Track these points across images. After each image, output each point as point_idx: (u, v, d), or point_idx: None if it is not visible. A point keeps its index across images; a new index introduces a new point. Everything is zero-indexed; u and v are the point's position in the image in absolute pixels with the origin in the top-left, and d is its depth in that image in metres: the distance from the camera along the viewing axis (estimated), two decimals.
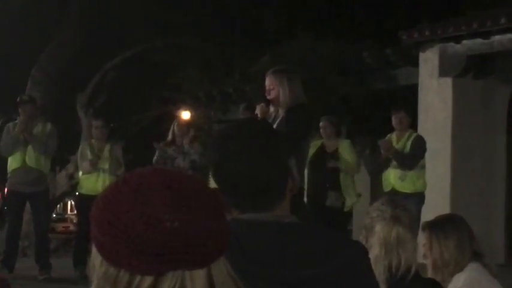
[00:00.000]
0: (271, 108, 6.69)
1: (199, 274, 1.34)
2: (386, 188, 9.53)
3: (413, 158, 9.42)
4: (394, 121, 9.60)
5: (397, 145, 9.52)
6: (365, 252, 2.05)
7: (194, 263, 1.34)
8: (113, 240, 1.33)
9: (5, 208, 11.64)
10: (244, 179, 1.99)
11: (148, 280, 1.32)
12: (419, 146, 9.52)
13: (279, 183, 2.04)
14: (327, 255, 1.92)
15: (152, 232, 1.31)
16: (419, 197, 9.37)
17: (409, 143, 9.50)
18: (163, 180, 1.38)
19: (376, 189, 14.38)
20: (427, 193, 9.70)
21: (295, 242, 1.92)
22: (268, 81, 6.69)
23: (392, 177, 9.46)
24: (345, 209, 9.87)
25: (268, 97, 6.64)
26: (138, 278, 1.33)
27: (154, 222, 1.32)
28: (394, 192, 9.27)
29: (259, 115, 6.57)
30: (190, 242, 1.33)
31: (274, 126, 6.49)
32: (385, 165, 9.53)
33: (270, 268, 1.81)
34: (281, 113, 6.62)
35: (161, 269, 1.32)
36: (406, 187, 9.38)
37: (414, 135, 9.69)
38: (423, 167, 9.57)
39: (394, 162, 9.45)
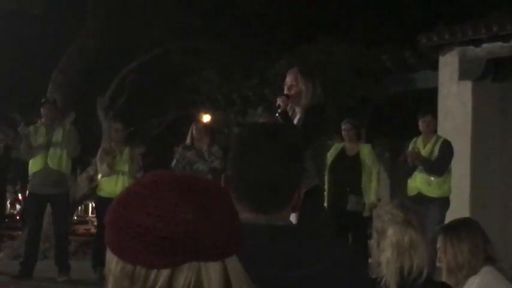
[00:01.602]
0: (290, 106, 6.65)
1: (215, 268, 1.36)
2: (412, 192, 9.48)
3: (442, 164, 9.35)
4: (422, 125, 9.54)
5: (424, 149, 9.46)
6: (355, 253, 2.05)
7: (209, 254, 1.36)
8: (127, 237, 1.36)
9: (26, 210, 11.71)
10: (255, 183, 2.01)
11: (164, 273, 1.34)
12: (448, 151, 9.44)
13: (286, 190, 2.05)
14: (317, 257, 1.94)
15: (166, 224, 1.34)
16: (444, 202, 9.30)
17: (436, 148, 9.43)
18: (175, 179, 1.41)
19: (395, 192, 14.37)
20: None
21: (286, 245, 1.94)
22: (291, 78, 6.66)
23: (418, 181, 9.40)
24: (364, 214, 9.86)
25: (287, 93, 6.59)
26: (154, 272, 1.35)
27: (167, 214, 1.35)
28: (420, 196, 9.23)
29: (282, 106, 6.50)
30: (204, 233, 1.35)
31: None
32: (412, 170, 9.49)
33: (260, 270, 1.83)
34: (297, 112, 6.61)
35: (176, 261, 1.34)
36: (432, 191, 9.32)
37: (442, 139, 9.58)
38: (449, 171, 9.49)
39: (420, 167, 9.40)
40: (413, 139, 9.71)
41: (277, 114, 6.53)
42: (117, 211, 1.39)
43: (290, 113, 6.59)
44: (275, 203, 2.03)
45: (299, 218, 6.20)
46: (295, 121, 6.54)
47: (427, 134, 9.56)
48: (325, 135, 6.91)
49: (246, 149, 2.06)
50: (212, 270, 1.36)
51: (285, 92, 6.63)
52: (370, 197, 9.83)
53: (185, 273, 1.34)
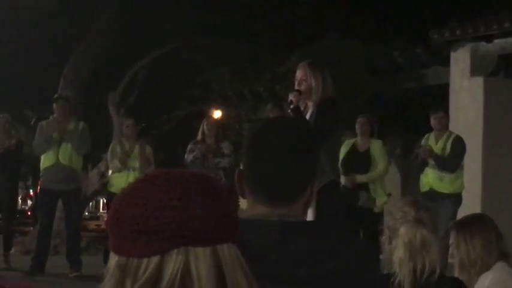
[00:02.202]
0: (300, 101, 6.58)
1: (204, 254, 1.39)
2: (424, 188, 9.45)
3: (454, 161, 9.31)
4: (433, 121, 9.50)
5: (437, 146, 9.44)
6: (367, 249, 2.04)
7: (196, 240, 1.39)
8: (120, 231, 1.41)
9: (37, 206, 11.74)
10: (265, 176, 2.02)
11: (154, 260, 1.38)
12: (460, 147, 9.40)
13: (297, 184, 2.04)
14: (329, 255, 1.93)
15: (152, 211, 1.39)
16: (456, 198, 9.25)
17: (449, 144, 9.40)
18: (164, 173, 1.47)
19: (407, 188, 14.35)
20: None
21: (298, 241, 1.93)
22: (301, 73, 6.57)
23: (430, 177, 9.37)
24: (375, 210, 9.85)
25: (298, 88, 6.51)
26: (145, 261, 1.38)
27: (154, 202, 1.40)
28: (432, 192, 9.21)
29: (294, 102, 6.43)
30: (190, 218, 1.39)
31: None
32: (423, 165, 9.47)
33: (271, 267, 1.82)
34: (309, 106, 6.53)
35: (164, 247, 1.38)
36: (444, 187, 9.28)
37: (454, 135, 9.53)
38: (462, 167, 9.46)
39: (432, 162, 9.38)
40: (426, 135, 9.68)
41: (289, 111, 6.49)
42: (111, 211, 1.45)
43: (302, 108, 6.53)
44: (286, 197, 2.02)
45: (316, 214, 6.20)
46: (308, 116, 6.48)
47: (439, 131, 9.53)
48: (338, 128, 6.81)
49: (257, 143, 2.07)
50: (201, 256, 1.38)
51: (296, 87, 6.58)
52: (379, 193, 9.82)
53: (174, 259, 1.37)
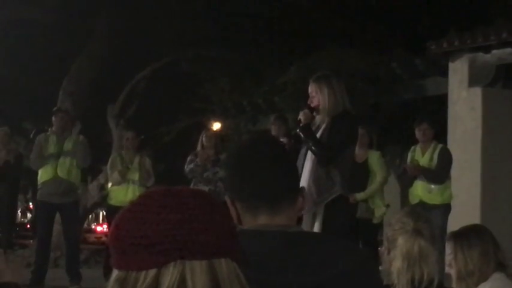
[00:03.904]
0: (317, 117, 6.48)
1: (201, 267, 1.41)
2: (414, 200, 9.48)
3: (442, 172, 9.39)
4: (418, 134, 9.53)
5: (423, 158, 9.48)
6: (368, 259, 2.08)
7: (193, 254, 1.41)
8: (119, 247, 1.44)
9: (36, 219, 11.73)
10: (250, 194, 2.09)
11: (151, 273, 1.40)
12: (447, 158, 9.48)
13: (287, 194, 2.11)
14: (329, 263, 1.96)
15: (150, 225, 1.42)
16: (445, 208, 9.35)
17: (435, 155, 9.45)
18: (162, 190, 1.50)
19: (406, 199, 14.34)
20: (457, 203, 9.69)
21: (298, 251, 1.98)
22: (311, 89, 6.50)
23: (420, 189, 9.41)
24: (374, 221, 9.86)
25: (311, 105, 6.46)
26: (143, 273, 1.41)
27: (152, 216, 1.43)
28: (421, 204, 9.24)
29: (302, 121, 6.38)
30: (187, 232, 1.42)
31: (318, 134, 6.39)
32: (412, 180, 9.50)
33: (273, 276, 1.85)
34: (326, 120, 6.43)
35: (162, 260, 1.40)
36: (434, 199, 9.35)
37: (440, 147, 9.60)
38: (449, 178, 9.54)
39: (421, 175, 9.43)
40: (411, 148, 9.72)
41: (298, 130, 6.45)
42: (112, 226, 1.48)
43: (318, 123, 6.45)
44: (282, 207, 2.09)
45: (323, 228, 6.18)
46: (321, 131, 6.40)
47: (424, 143, 9.56)
48: (352, 144, 6.68)
49: (241, 162, 2.15)
50: (197, 269, 1.40)
51: (308, 102, 6.50)
52: (377, 204, 9.84)
53: (171, 272, 1.40)
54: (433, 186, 9.34)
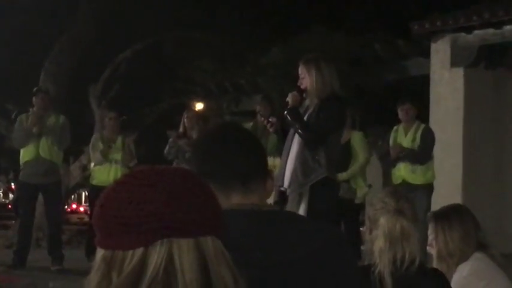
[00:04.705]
0: (307, 99, 6.47)
1: (187, 245, 1.42)
2: (397, 181, 9.53)
3: (425, 152, 9.45)
4: (401, 113, 9.58)
5: (406, 138, 9.51)
6: (341, 238, 2.10)
7: (179, 232, 1.42)
8: (105, 226, 1.45)
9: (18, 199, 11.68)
10: (217, 176, 2.11)
11: (138, 252, 1.41)
12: (430, 138, 9.53)
13: (258, 174, 2.16)
14: (303, 242, 1.98)
15: (135, 204, 1.42)
16: (429, 188, 9.41)
17: (418, 135, 9.49)
18: (149, 170, 1.50)
19: (388, 179, 14.40)
20: (438, 184, 9.73)
21: (272, 229, 2.01)
22: (300, 71, 6.48)
23: (403, 170, 9.46)
24: (356, 201, 9.89)
25: (301, 86, 6.45)
26: (130, 253, 1.41)
27: (137, 196, 1.43)
28: (405, 184, 9.28)
29: (290, 103, 6.40)
30: (172, 211, 1.42)
31: (305, 116, 6.38)
32: (395, 161, 9.54)
33: (248, 253, 1.87)
34: (315, 102, 6.41)
35: (148, 239, 1.41)
36: (416, 179, 9.40)
37: (422, 126, 9.66)
38: (431, 157, 9.58)
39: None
40: (394, 128, 9.75)
41: (285, 112, 6.44)
42: (97, 206, 1.48)
43: (307, 104, 6.44)
44: (255, 187, 2.14)
45: (308, 209, 6.19)
46: (308, 114, 6.39)
47: (407, 122, 9.60)
48: (340, 127, 6.68)
49: (206, 147, 2.22)
50: (184, 248, 1.41)
51: (298, 84, 6.49)
52: (359, 184, 9.87)
53: (158, 251, 1.40)
54: (416, 166, 9.38)
